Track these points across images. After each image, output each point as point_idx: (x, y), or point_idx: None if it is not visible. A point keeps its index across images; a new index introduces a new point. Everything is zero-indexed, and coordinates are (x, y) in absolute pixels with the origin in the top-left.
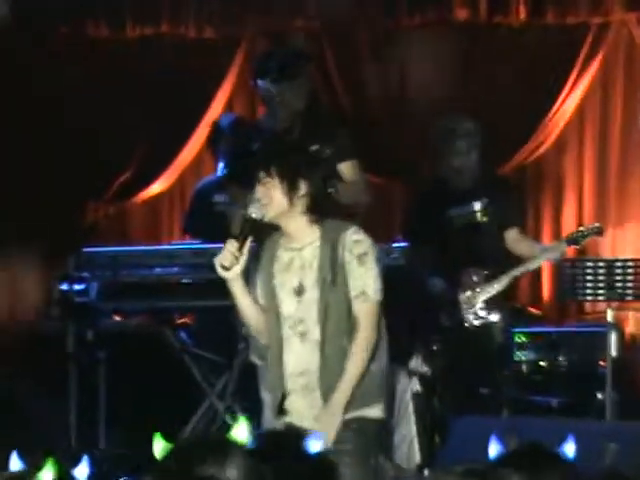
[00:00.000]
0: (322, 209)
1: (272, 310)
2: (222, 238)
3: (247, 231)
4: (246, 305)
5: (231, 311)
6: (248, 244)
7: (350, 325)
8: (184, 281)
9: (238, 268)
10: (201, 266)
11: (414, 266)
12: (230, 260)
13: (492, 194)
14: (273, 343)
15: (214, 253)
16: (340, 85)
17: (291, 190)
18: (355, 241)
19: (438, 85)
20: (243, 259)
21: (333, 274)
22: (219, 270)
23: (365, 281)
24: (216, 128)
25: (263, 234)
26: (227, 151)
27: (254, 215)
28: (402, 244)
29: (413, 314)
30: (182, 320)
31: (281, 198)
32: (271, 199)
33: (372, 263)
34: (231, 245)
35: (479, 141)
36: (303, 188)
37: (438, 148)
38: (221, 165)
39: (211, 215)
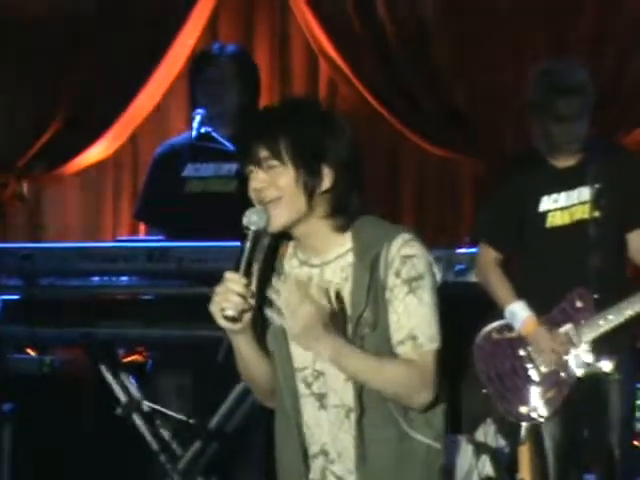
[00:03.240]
0: (352, 209)
1: (282, 355)
2: (199, 233)
3: (254, 255)
4: (254, 365)
5: (209, 345)
6: (256, 274)
7: None
8: (137, 297)
9: (249, 315)
10: (164, 274)
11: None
12: (237, 305)
13: (610, 177)
14: (286, 404)
15: (182, 256)
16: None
17: (312, 179)
18: (405, 257)
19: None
20: (253, 299)
21: (375, 312)
22: (222, 322)
23: (417, 320)
24: (203, 59)
25: (276, 256)
26: (224, 100)
27: (253, 227)
28: (472, 249)
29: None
30: (131, 357)
31: (295, 193)
32: (280, 194)
33: (429, 293)
34: (234, 282)
35: (592, 100)
36: (328, 176)
37: (532, 108)
38: (198, 117)
39: (179, 196)
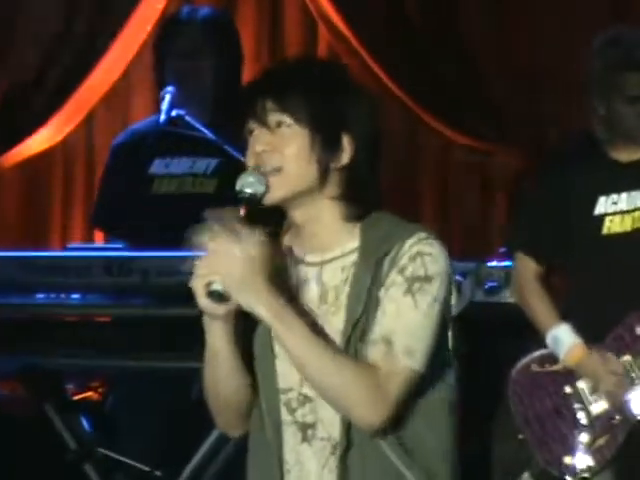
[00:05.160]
0: (369, 195)
1: (266, 370)
2: (169, 241)
3: (250, 219)
4: (225, 371)
5: (180, 378)
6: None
7: (399, 414)
8: (92, 319)
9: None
10: (125, 291)
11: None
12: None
13: None
14: (268, 433)
15: (148, 268)
16: None
17: (329, 147)
18: (416, 254)
19: None
20: None
21: (372, 319)
22: (204, 302)
23: (402, 324)
24: (170, 27)
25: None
26: (198, 76)
27: (248, 190)
28: (506, 262)
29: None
30: (84, 394)
31: (305, 163)
32: (283, 163)
33: (431, 302)
34: (230, 250)
35: None
36: (347, 150)
37: (594, 85)
38: (167, 97)
39: (146, 198)
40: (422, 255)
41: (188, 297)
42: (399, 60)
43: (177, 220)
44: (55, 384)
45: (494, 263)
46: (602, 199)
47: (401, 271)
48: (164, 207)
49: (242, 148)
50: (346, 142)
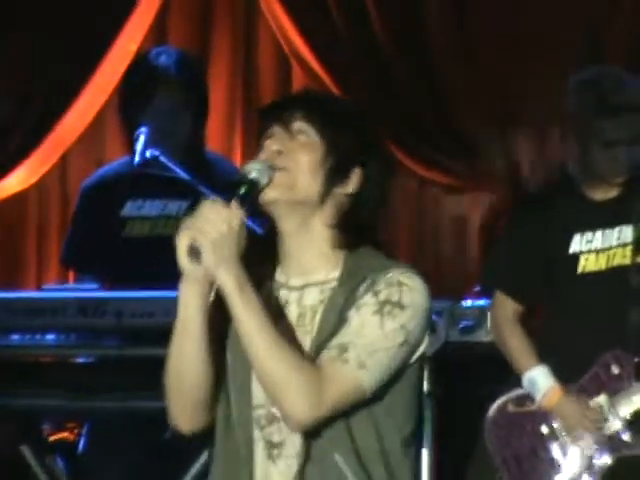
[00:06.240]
0: (363, 228)
1: (240, 383)
2: (146, 278)
3: (244, 201)
4: (194, 342)
5: (156, 418)
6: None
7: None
8: (67, 360)
9: None
10: (100, 332)
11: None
12: (209, 237)
13: None
14: (241, 449)
15: (122, 309)
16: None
17: (338, 169)
18: (394, 282)
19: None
20: None
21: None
22: (184, 261)
23: (363, 339)
24: (144, 68)
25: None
26: (167, 110)
27: (254, 174)
28: (481, 301)
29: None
30: (59, 435)
31: (313, 174)
32: (293, 165)
33: (397, 328)
34: (216, 212)
35: None
36: (354, 181)
37: (571, 125)
38: (142, 138)
39: (117, 241)
40: (400, 284)
41: (162, 337)
42: (371, 99)
43: (149, 262)
44: (31, 426)
45: (469, 302)
46: (577, 237)
47: (375, 294)
48: (136, 249)
49: (215, 188)
50: (355, 174)
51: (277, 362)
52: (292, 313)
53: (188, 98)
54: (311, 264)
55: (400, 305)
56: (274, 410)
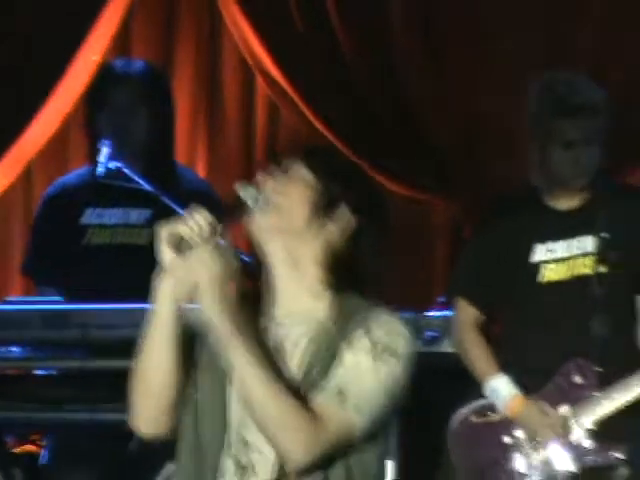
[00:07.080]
0: (350, 273)
1: (216, 406)
2: (105, 286)
3: (232, 215)
4: (164, 340)
5: (120, 431)
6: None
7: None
8: (30, 372)
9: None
10: (63, 344)
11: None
12: (193, 232)
13: (620, 225)
14: (209, 467)
15: (86, 321)
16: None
17: (325, 199)
18: (386, 325)
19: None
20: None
21: (324, 374)
22: (164, 249)
23: (359, 384)
24: (104, 80)
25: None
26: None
27: (245, 197)
28: (445, 312)
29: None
30: (23, 447)
31: (303, 203)
32: (287, 196)
33: (390, 377)
34: (203, 216)
35: (607, 124)
36: (344, 219)
37: (530, 130)
38: (105, 150)
39: (77, 249)
40: (393, 330)
41: (126, 350)
42: (337, 112)
43: (110, 270)
44: None
45: (433, 313)
46: (539, 247)
47: (367, 332)
48: (97, 257)
49: (177, 198)
50: (345, 212)
51: (274, 405)
52: (281, 348)
53: (144, 94)
54: (299, 299)
55: (394, 354)
56: (244, 434)
